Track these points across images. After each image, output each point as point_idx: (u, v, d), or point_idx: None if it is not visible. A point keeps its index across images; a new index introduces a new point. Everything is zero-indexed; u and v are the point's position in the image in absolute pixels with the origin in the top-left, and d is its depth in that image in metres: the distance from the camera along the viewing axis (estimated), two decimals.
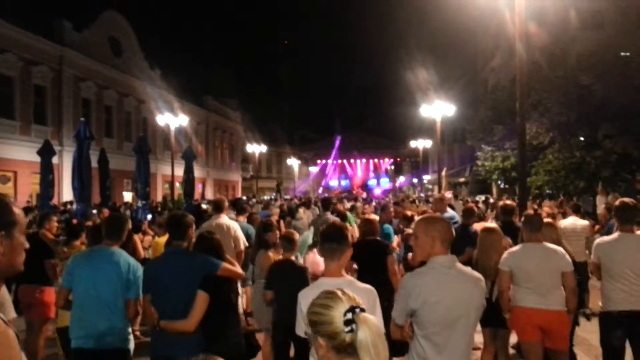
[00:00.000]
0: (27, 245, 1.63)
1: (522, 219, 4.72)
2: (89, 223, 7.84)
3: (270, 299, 4.70)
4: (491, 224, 6.31)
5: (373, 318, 1.54)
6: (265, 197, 32.90)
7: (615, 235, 4.47)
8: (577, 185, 19.83)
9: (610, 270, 4.34)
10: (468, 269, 2.92)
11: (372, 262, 5.19)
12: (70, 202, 19.11)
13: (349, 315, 1.51)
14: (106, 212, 10.39)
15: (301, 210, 12.10)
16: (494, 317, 4.65)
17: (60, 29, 24.97)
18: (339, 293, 1.60)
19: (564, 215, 9.22)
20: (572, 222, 8.08)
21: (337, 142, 70.06)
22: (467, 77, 42.41)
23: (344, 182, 70.77)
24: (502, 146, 24.14)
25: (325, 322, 1.55)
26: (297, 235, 5.27)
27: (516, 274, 4.33)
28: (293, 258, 4.89)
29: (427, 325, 2.74)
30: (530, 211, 5.25)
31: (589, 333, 5.75)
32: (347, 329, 1.50)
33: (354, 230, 8.99)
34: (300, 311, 2.75)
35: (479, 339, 5.25)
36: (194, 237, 3.93)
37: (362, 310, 1.53)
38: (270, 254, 5.35)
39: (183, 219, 3.81)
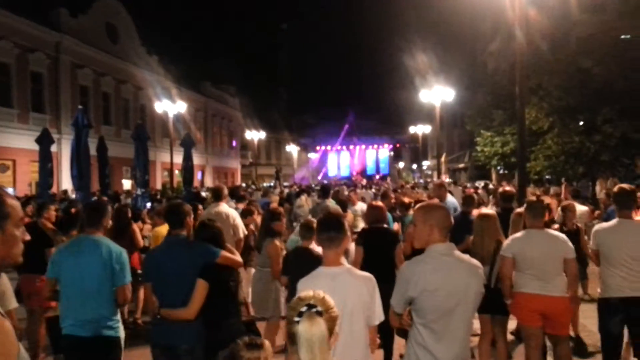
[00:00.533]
0: (25, 237, 1.62)
1: (525, 205, 4.71)
2: None
3: (285, 284, 4.74)
4: (488, 210, 6.29)
5: (321, 322, 1.71)
6: (264, 185, 32.90)
7: (614, 221, 4.47)
8: (577, 170, 19.82)
9: (609, 257, 4.35)
10: (466, 257, 2.92)
11: (380, 250, 5.08)
12: (66, 192, 19.12)
13: (304, 309, 1.74)
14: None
15: (303, 197, 12.12)
16: (492, 303, 4.67)
17: (56, 15, 24.77)
18: (313, 292, 1.82)
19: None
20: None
21: (345, 129, 69.77)
22: (466, 62, 42.15)
23: (343, 169, 70.71)
24: (502, 131, 24.08)
25: (289, 309, 1.81)
26: (315, 224, 5.23)
27: (519, 260, 4.34)
28: (311, 246, 4.82)
29: (426, 313, 2.75)
30: (533, 197, 5.24)
31: (588, 319, 5.78)
32: (296, 320, 1.73)
33: (350, 218, 9.00)
34: None
35: (477, 325, 5.29)
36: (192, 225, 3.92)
37: (319, 312, 1.73)
38: (277, 242, 5.34)
39: (181, 208, 3.81)
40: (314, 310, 1.73)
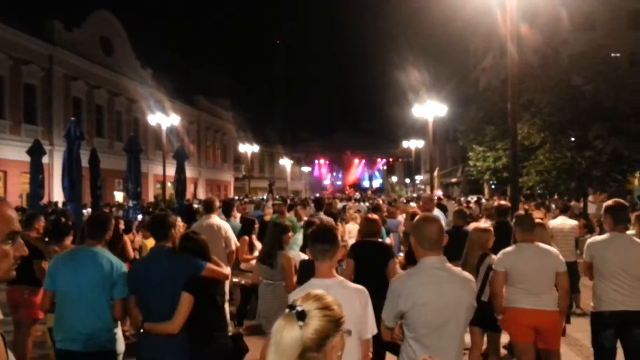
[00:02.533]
0: (21, 252, 1.56)
1: (514, 219, 4.72)
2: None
3: None
4: (484, 224, 6.30)
5: (296, 327, 1.47)
6: (257, 197, 32.83)
7: (607, 235, 4.48)
8: (568, 185, 19.96)
9: (603, 270, 4.35)
10: (458, 270, 2.91)
11: (372, 264, 4.98)
12: (56, 203, 18.98)
13: (286, 310, 1.53)
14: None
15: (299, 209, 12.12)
16: (484, 318, 4.65)
17: (50, 28, 24.79)
18: (308, 292, 1.62)
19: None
20: (561, 222, 8.11)
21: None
22: (458, 78, 42.60)
23: (336, 182, 70.82)
24: (494, 146, 24.25)
25: None
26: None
27: (511, 275, 4.31)
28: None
29: (417, 327, 2.73)
30: (521, 211, 5.25)
31: (580, 332, 5.77)
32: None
33: (343, 231, 8.97)
34: None
35: (468, 339, 5.26)
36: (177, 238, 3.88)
37: (300, 314, 1.49)
38: (288, 254, 5.28)
39: (165, 219, 3.77)
40: (294, 311, 1.49)
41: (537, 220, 5.15)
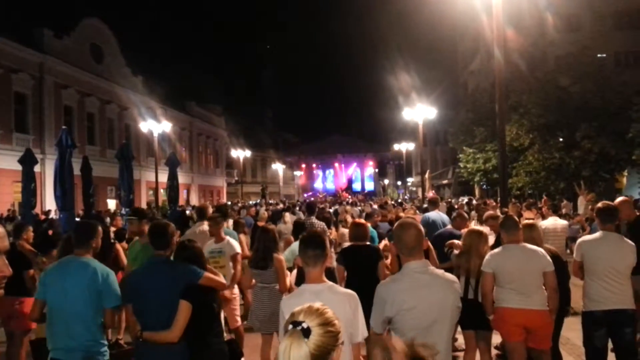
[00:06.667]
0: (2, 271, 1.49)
1: (500, 222, 4.81)
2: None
3: None
4: (479, 227, 6.36)
5: (303, 344, 1.51)
6: (250, 202, 32.82)
7: (598, 234, 4.58)
8: (558, 185, 20.14)
9: (594, 269, 4.42)
10: (441, 272, 2.96)
11: (362, 267, 5.12)
12: (48, 212, 18.89)
13: (289, 327, 1.57)
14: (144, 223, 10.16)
15: (287, 214, 12.18)
16: (475, 319, 4.73)
17: (40, 36, 24.71)
18: (307, 306, 1.65)
19: (543, 217, 9.36)
20: (552, 222, 8.20)
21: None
22: (447, 81, 42.89)
23: (328, 186, 70.86)
24: (484, 148, 24.44)
25: (284, 326, 1.66)
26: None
27: (499, 275, 4.38)
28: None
29: (405, 331, 2.76)
30: (495, 212, 5.30)
31: (571, 332, 5.85)
32: (283, 337, 1.58)
33: (337, 235, 9.02)
34: (282, 318, 2.76)
35: (461, 340, 5.34)
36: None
37: (305, 330, 1.53)
38: (279, 256, 5.34)
39: (166, 228, 3.75)
40: (298, 328, 1.53)
41: (529, 221, 5.24)
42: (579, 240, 4.77)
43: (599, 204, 4.77)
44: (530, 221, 5.44)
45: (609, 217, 4.56)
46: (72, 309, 3.54)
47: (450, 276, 2.97)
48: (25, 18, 25.39)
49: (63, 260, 3.87)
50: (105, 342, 3.75)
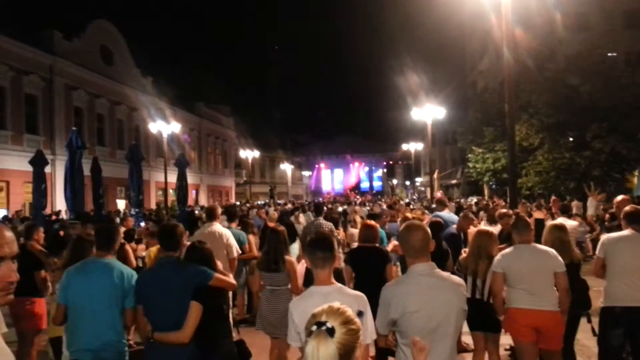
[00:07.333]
0: (9, 276, 1.49)
1: (511, 222, 4.79)
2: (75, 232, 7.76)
3: None
4: (487, 227, 6.35)
5: (330, 342, 1.55)
6: (259, 202, 32.90)
7: (623, 232, 4.57)
8: (568, 185, 20.01)
9: (617, 266, 4.41)
10: (447, 274, 2.95)
11: (370, 269, 5.12)
12: (58, 212, 19.05)
13: (313, 328, 1.60)
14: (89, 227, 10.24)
15: (301, 215, 12.30)
16: (484, 320, 4.71)
17: (50, 38, 24.92)
18: (327, 307, 1.68)
19: (553, 217, 9.31)
20: (562, 222, 8.16)
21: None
22: (456, 81, 42.73)
23: (337, 186, 70.87)
24: (493, 148, 24.32)
25: (305, 327, 1.68)
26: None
27: (509, 276, 4.36)
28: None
29: (409, 334, 2.75)
30: (507, 211, 5.29)
31: (581, 332, 5.82)
32: (308, 338, 1.60)
33: (345, 236, 9.03)
34: (292, 321, 2.77)
35: (470, 341, 5.32)
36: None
37: (330, 330, 1.57)
38: (291, 258, 5.36)
39: (175, 230, 3.77)
40: (323, 328, 1.57)
41: (558, 222, 5.27)
42: (603, 237, 4.75)
43: (628, 208, 4.73)
44: (559, 222, 5.42)
45: (636, 219, 4.55)
46: (98, 309, 3.60)
47: (456, 279, 2.96)
48: (35, 20, 25.69)
49: (85, 262, 3.92)
50: (126, 342, 3.82)
